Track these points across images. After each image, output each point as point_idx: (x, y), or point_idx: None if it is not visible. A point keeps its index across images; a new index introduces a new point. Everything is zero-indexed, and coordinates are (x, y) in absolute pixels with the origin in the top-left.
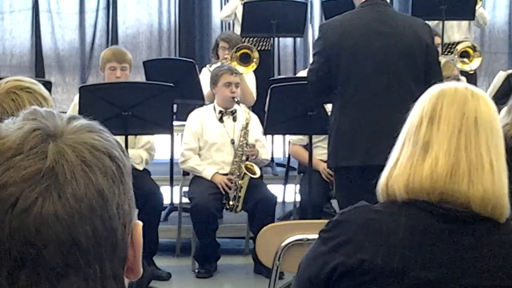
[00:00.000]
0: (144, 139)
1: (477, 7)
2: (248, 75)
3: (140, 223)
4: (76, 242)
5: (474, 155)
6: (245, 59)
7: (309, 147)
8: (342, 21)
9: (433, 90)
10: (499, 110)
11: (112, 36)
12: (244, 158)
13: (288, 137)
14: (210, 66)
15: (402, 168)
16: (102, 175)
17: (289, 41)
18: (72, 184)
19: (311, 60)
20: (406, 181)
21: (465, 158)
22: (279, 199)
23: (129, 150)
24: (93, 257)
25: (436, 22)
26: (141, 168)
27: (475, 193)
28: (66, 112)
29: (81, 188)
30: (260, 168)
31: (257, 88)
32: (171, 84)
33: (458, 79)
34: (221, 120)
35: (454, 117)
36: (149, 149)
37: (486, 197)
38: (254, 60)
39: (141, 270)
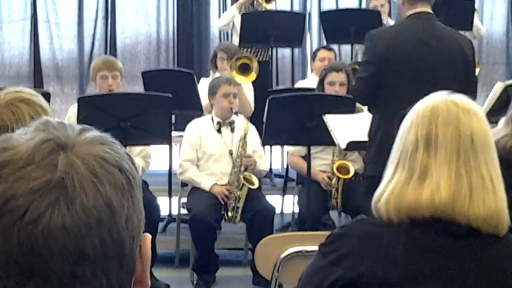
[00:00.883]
0: (139, 147)
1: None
2: (246, 86)
3: (149, 236)
4: (83, 254)
5: (475, 177)
6: (244, 69)
7: (307, 157)
8: (392, 32)
9: (424, 109)
10: (498, 121)
11: (110, 46)
12: (242, 168)
13: (287, 148)
14: (211, 76)
15: (395, 192)
16: (112, 187)
17: (287, 51)
18: (81, 196)
19: (309, 69)
20: (401, 206)
21: (466, 182)
22: (278, 210)
23: None
24: (100, 269)
25: None
26: None
27: (477, 214)
28: None
29: (90, 200)
30: (259, 179)
31: (255, 98)
32: (170, 95)
33: None
34: (219, 131)
35: (451, 141)
36: (145, 156)
37: (488, 217)
38: (254, 70)
39: (149, 282)
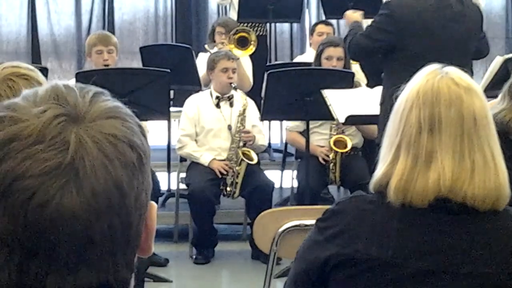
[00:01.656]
0: None
1: None
2: (245, 60)
3: (155, 205)
4: (91, 239)
5: (478, 157)
6: (242, 43)
7: (306, 132)
8: (411, 3)
9: (423, 89)
10: (497, 95)
11: (108, 22)
12: (241, 144)
13: (285, 123)
14: (210, 48)
15: (404, 176)
16: (122, 167)
17: (285, 26)
18: (91, 179)
19: (308, 44)
20: (407, 190)
21: (469, 161)
22: (277, 185)
23: None
24: (107, 252)
25: None
26: None
27: (476, 194)
28: None
29: (100, 184)
30: (257, 154)
31: (253, 73)
32: (168, 70)
33: None
34: (218, 105)
35: (455, 123)
36: None
37: (488, 195)
38: (252, 43)
39: (152, 248)
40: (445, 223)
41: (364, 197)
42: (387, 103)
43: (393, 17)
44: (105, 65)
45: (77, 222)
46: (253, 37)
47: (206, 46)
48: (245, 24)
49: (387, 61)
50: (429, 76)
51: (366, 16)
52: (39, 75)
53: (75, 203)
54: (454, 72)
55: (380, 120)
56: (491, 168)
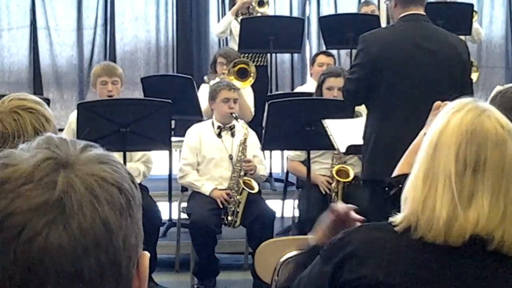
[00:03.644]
0: (140, 152)
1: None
2: (246, 91)
3: (147, 254)
4: (79, 275)
5: (510, 202)
6: (242, 74)
7: (307, 162)
8: (384, 34)
9: (470, 127)
10: None
11: (110, 52)
12: (242, 173)
13: (287, 152)
14: (208, 80)
15: (443, 212)
16: (110, 207)
17: (286, 57)
18: (79, 216)
19: (308, 75)
20: (448, 230)
21: (503, 204)
22: (278, 214)
23: (126, 164)
24: None
25: None
26: (138, 181)
27: (505, 236)
28: (63, 129)
29: (87, 221)
30: (258, 184)
31: (254, 103)
32: (169, 100)
33: None
34: (219, 135)
35: (498, 167)
36: (145, 161)
37: None
38: (252, 75)
39: None
40: (459, 257)
41: (374, 225)
42: (369, 137)
43: (366, 50)
44: (109, 96)
45: (64, 257)
46: (252, 68)
47: (205, 77)
48: (246, 55)
49: (368, 93)
50: (474, 112)
51: None
52: (46, 109)
53: (62, 238)
54: (497, 113)
55: (363, 153)
56: None
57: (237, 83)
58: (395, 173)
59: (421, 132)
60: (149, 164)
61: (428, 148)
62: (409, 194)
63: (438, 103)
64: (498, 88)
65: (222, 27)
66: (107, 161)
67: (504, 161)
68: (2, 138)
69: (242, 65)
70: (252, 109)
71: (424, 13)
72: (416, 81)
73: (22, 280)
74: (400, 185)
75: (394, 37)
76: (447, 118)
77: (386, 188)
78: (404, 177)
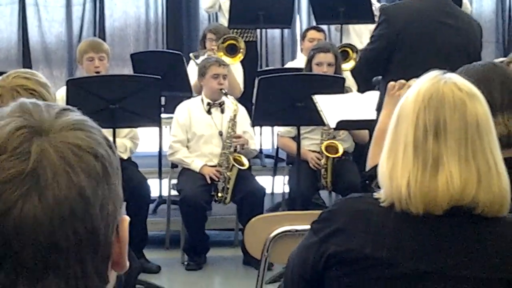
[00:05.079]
0: (127, 128)
1: None
2: (236, 67)
3: (127, 218)
4: (56, 246)
5: (482, 162)
6: (231, 50)
7: (297, 138)
8: (407, 8)
9: (427, 93)
10: None
11: (99, 29)
12: (232, 149)
13: (277, 129)
14: (196, 57)
15: (418, 183)
16: (85, 176)
17: (276, 32)
18: (53, 186)
19: (298, 48)
20: (423, 198)
21: (474, 167)
22: (268, 191)
23: None
24: (73, 258)
25: None
26: (125, 157)
27: (485, 199)
28: None
29: (62, 191)
30: (249, 160)
31: (244, 79)
32: (159, 77)
33: None
34: (209, 112)
35: (459, 128)
36: (132, 137)
37: (493, 200)
38: (241, 51)
39: (127, 263)
40: (444, 225)
41: (361, 198)
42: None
43: (390, 22)
44: (96, 72)
45: (40, 229)
46: (241, 44)
47: (191, 55)
48: (236, 30)
49: (386, 65)
50: (433, 81)
51: (358, 22)
52: (48, 91)
53: (37, 210)
54: (456, 77)
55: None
56: (494, 173)
57: (226, 59)
58: (369, 165)
59: (380, 116)
60: (136, 140)
61: (392, 123)
62: (379, 171)
63: (392, 83)
64: None
65: (210, 1)
66: (82, 127)
67: (466, 122)
68: None
69: (231, 41)
70: (242, 86)
71: None
72: (436, 56)
73: None
74: None
75: (417, 11)
76: (412, 89)
77: (367, 181)
78: None
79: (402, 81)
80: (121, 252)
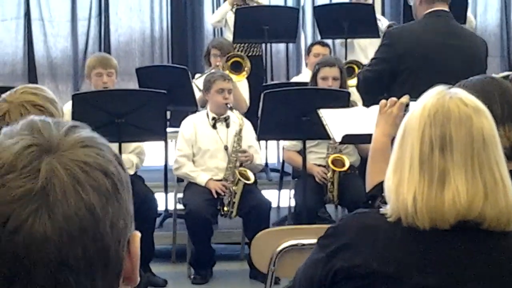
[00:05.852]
0: (134, 143)
1: None
2: (242, 82)
3: (138, 234)
4: (66, 263)
5: (488, 177)
6: (236, 67)
7: (303, 152)
8: (410, 30)
9: (432, 108)
10: None
11: (104, 43)
12: (237, 164)
13: (282, 143)
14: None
15: (424, 198)
16: (95, 193)
17: (281, 46)
18: (63, 204)
19: (303, 65)
20: (429, 213)
21: (481, 182)
22: (274, 204)
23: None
24: (84, 275)
25: None
26: (131, 173)
27: (491, 214)
28: None
29: (72, 208)
30: (254, 174)
31: (249, 93)
32: (164, 91)
33: None
34: (214, 126)
35: (465, 143)
36: (139, 153)
37: (500, 215)
38: (246, 69)
39: (138, 278)
40: (451, 239)
41: (368, 213)
42: None
43: (393, 46)
44: (104, 88)
45: (50, 246)
46: (247, 63)
47: (194, 81)
48: (241, 45)
49: (389, 86)
50: (438, 96)
51: (362, 36)
52: (56, 108)
53: (47, 227)
54: (462, 93)
55: None
56: (500, 188)
57: (231, 76)
58: (368, 186)
59: (373, 135)
60: (142, 156)
61: (398, 138)
62: (385, 186)
63: (383, 101)
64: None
65: (218, 16)
66: (92, 144)
67: (472, 137)
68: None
69: (236, 59)
70: (247, 101)
71: (448, 10)
72: (440, 77)
73: (8, 271)
74: (382, 193)
75: (421, 33)
76: (417, 104)
77: (369, 202)
78: (382, 183)
79: (394, 98)
80: (133, 268)
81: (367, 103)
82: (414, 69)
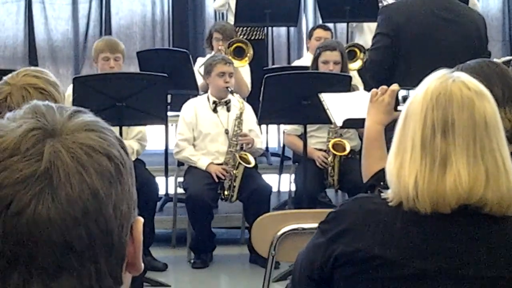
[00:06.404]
0: (136, 129)
1: None
2: (243, 67)
3: (141, 219)
4: (69, 245)
5: (490, 161)
6: (238, 53)
7: (303, 136)
8: (406, 4)
9: (435, 91)
10: None
11: (105, 26)
12: (238, 147)
13: (283, 127)
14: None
15: (425, 182)
16: (98, 176)
17: (282, 30)
18: (66, 186)
19: (304, 49)
20: (431, 197)
21: (483, 166)
22: (274, 189)
23: None
24: (87, 258)
25: None
26: (132, 159)
27: (493, 198)
28: None
29: (75, 191)
30: (255, 158)
31: (251, 76)
32: (165, 75)
33: None
34: (215, 110)
35: (468, 127)
36: (140, 139)
37: (502, 199)
38: (248, 55)
39: (142, 265)
40: (451, 224)
41: (369, 198)
42: None
43: (390, 18)
44: None
45: (53, 228)
46: (250, 49)
47: (198, 69)
48: (243, 28)
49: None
50: (441, 79)
51: (363, 20)
52: (58, 91)
53: (51, 210)
54: (464, 76)
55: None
56: (502, 172)
57: (233, 62)
58: (365, 176)
59: (365, 125)
60: (144, 142)
61: (400, 122)
62: (387, 170)
63: (374, 90)
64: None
65: (221, 0)
66: (95, 128)
67: (474, 121)
68: (7, 110)
69: (238, 44)
70: (249, 85)
71: None
72: (436, 52)
73: (12, 254)
74: (382, 182)
75: (416, 7)
76: (419, 88)
77: (368, 191)
78: (380, 172)
79: (384, 86)
80: (136, 253)
81: (375, 85)
82: (407, 43)
